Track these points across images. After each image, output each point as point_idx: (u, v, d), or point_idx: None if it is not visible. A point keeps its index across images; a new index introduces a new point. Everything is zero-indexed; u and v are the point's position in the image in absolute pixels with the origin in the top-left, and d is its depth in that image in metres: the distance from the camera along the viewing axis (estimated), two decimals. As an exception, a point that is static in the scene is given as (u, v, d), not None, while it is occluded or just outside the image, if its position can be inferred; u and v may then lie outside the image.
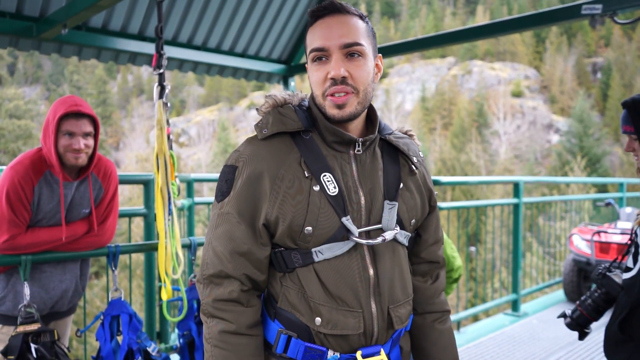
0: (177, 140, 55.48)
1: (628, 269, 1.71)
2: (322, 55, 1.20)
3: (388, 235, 1.23)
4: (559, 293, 5.82)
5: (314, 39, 1.22)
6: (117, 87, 71.24)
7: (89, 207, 2.34)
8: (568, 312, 1.98)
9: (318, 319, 1.21)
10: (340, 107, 1.20)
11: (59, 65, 66.14)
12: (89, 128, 2.23)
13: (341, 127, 1.26)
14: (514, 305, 4.96)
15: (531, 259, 8.91)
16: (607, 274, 1.86)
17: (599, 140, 36.50)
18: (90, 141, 2.24)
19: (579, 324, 1.93)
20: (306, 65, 1.30)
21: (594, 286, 2.03)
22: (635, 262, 1.66)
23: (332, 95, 1.19)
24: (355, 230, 1.21)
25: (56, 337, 2.18)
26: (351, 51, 1.20)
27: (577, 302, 1.96)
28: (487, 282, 7.17)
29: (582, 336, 1.96)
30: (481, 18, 58.42)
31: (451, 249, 2.50)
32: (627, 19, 3.07)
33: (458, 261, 2.57)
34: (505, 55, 56.57)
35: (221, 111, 61.23)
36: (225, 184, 1.25)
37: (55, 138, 2.16)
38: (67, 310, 2.45)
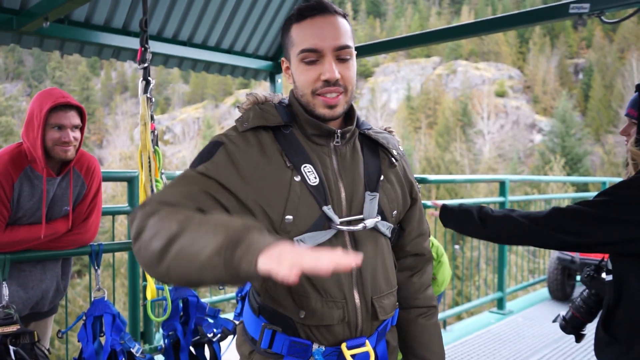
0: (162, 137, 54.96)
1: (610, 271, 1.70)
2: (315, 57, 1.20)
3: (369, 222, 1.24)
4: (544, 291, 5.87)
5: (305, 38, 1.20)
6: (101, 84, 70.24)
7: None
8: (562, 314, 1.97)
9: (302, 312, 1.20)
10: (331, 107, 1.22)
11: (41, 61, 65.05)
12: (77, 120, 2.17)
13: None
14: (500, 303, 4.98)
15: (516, 258, 8.97)
16: (595, 275, 1.85)
17: (581, 140, 37.07)
18: (79, 134, 2.19)
19: (574, 327, 1.93)
20: (282, 60, 1.31)
21: (578, 285, 2.03)
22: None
23: (324, 95, 1.21)
24: (337, 219, 1.21)
25: (36, 339, 2.11)
26: (342, 54, 1.21)
27: (570, 305, 1.95)
28: (472, 280, 7.20)
29: (578, 338, 1.95)
30: (466, 18, 58.81)
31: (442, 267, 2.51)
32: (611, 19, 3.08)
33: (442, 275, 2.57)
34: (489, 56, 57.07)
35: (206, 109, 60.85)
36: (206, 154, 1.20)
37: (43, 132, 2.10)
38: (48, 311, 2.39)
